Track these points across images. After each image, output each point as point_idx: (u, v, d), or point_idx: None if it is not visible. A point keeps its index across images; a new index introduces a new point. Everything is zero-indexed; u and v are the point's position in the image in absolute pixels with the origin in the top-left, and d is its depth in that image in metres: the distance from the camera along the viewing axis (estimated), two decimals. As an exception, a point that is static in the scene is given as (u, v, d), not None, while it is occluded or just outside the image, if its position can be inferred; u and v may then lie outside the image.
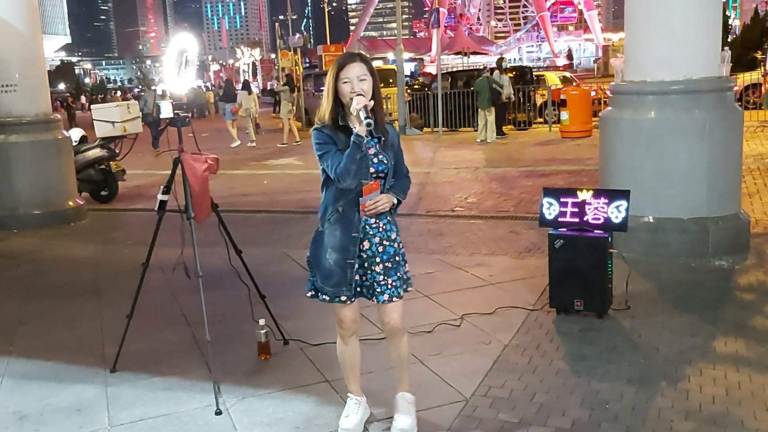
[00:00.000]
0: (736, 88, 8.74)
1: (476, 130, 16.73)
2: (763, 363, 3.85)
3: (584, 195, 4.65)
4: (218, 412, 3.59)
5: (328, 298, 3.18)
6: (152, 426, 3.54)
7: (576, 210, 4.66)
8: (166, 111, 3.95)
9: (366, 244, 3.13)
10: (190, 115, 4.23)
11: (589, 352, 4.10)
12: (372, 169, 3.07)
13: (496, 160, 12.93)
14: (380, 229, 3.14)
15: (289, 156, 15.93)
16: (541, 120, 19.06)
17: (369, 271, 3.15)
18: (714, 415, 3.32)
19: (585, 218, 4.62)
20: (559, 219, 4.71)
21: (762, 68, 18.56)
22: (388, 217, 3.18)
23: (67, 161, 9.31)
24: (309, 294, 3.25)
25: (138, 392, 3.93)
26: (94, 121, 10.22)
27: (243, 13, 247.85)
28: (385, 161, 3.10)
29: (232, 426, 3.48)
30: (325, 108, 3.08)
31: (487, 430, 3.28)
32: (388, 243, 3.15)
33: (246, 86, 20.94)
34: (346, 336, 3.30)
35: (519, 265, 6.02)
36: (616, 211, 4.54)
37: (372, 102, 3.03)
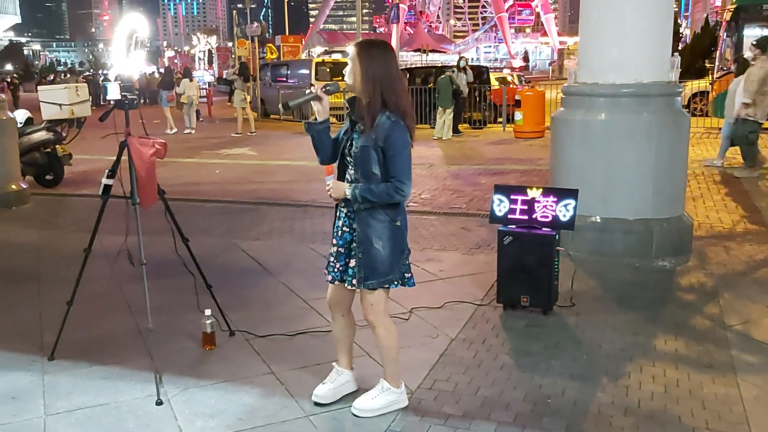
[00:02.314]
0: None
1: (433, 128, 16.79)
2: (701, 361, 3.96)
3: (534, 193, 4.70)
4: (159, 403, 3.52)
5: None
6: (89, 416, 3.44)
7: (525, 207, 4.71)
8: (113, 93, 3.84)
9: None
10: (138, 98, 4.11)
11: (534, 348, 4.16)
12: (345, 152, 3.23)
13: (451, 158, 12.99)
14: (345, 215, 3.27)
15: (243, 146, 15.73)
16: (501, 119, 19.20)
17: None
18: (652, 411, 3.40)
19: (534, 216, 4.68)
20: (509, 216, 4.76)
21: (710, 76, 19.05)
22: (354, 206, 3.19)
23: (11, 143, 9.00)
24: None
25: (76, 381, 3.82)
26: (41, 103, 9.88)
27: (200, 0, 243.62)
28: (355, 149, 3.17)
29: (172, 417, 3.41)
30: None
31: (431, 423, 3.30)
32: (347, 230, 3.26)
33: (187, 74, 21.15)
34: (332, 313, 3.46)
35: (469, 260, 6.07)
36: (564, 210, 4.60)
37: (316, 89, 3.24)
